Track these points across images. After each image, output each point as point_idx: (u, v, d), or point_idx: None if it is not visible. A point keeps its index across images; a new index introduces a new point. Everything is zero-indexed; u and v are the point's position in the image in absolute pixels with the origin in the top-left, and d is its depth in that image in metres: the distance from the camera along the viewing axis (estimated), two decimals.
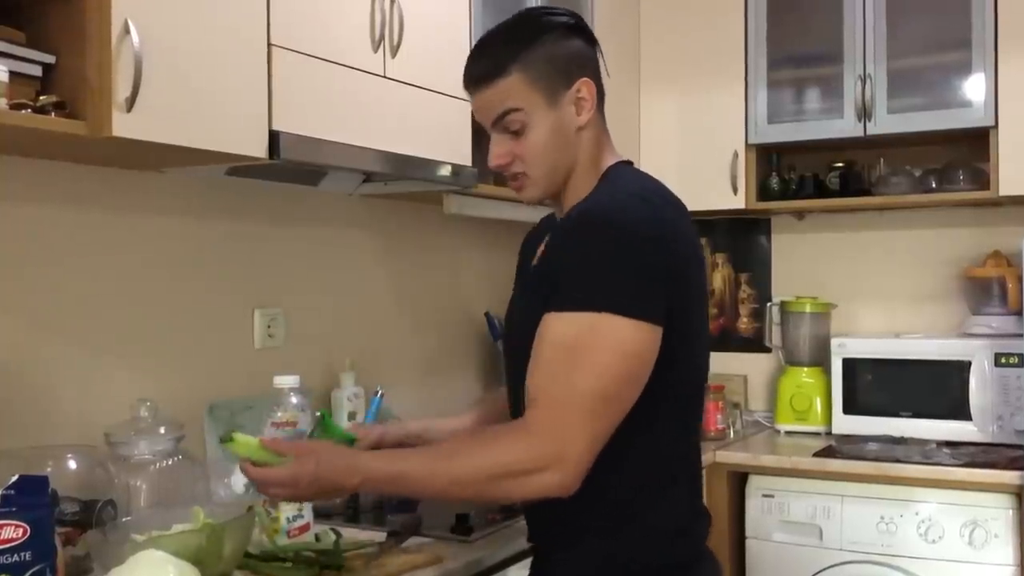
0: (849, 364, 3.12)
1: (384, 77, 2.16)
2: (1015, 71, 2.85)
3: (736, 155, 3.21)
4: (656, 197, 1.46)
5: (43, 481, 1.36)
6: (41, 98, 1.58)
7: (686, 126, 3.31)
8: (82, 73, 1.60)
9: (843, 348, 3.13)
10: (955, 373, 2.96)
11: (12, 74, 1.55)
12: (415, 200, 2.74)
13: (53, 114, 1.57)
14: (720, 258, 3.67)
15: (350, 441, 1.69)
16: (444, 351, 3.01)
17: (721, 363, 3.29)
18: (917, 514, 2.69)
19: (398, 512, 2.00)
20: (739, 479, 2.98)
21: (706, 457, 2.85)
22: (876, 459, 2.79)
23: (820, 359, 3.26)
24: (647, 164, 3.04)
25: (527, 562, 1.63)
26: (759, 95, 3.19)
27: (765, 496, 2.89)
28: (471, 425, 1.79)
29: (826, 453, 2.90)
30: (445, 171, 2.32)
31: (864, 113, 3.02)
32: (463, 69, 1.51)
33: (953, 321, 3.26)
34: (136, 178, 2.06)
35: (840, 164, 3.27)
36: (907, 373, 3.04)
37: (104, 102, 1.58)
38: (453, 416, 1.87)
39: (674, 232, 1.43)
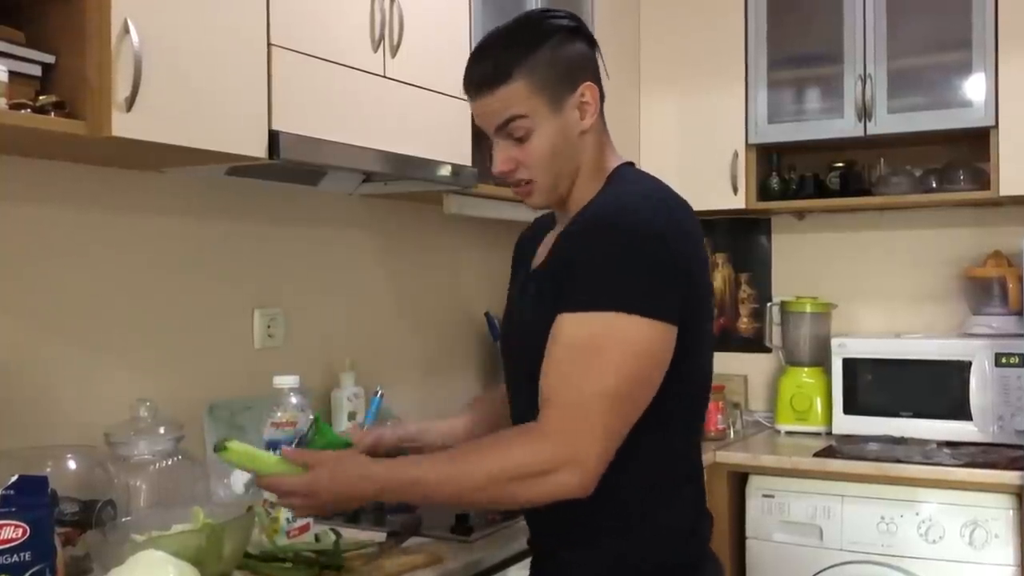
0: (849, 364, 3.11)
1: (384, 77, 2.16)
2: (1015, 71, 2.85)
3: (736, 155, 3.21)
4: (664, 197, 1.46)
5: (43, 481, 1.36)
6: (41, 98, 1.58)
7: (686, 126, 3.31)
8: (82, 73, 1.59)
9: (843, 348, 3.12)
10: (955, 373, 2.95)
11: (12, 74, 1.55)
12: (415, 200, 2.74)
13: (53, 114, 1.57)
14: (720, 258, 3.67)
15: (346, 445, 1.65)
16: (444, 351, 3.01)
17: (721, 363, 3.22)
18: (917, 514, 2.69)
19: (398, 512, 2.00)
20: (739, 479, 2.98)
21: (706, 457, 2.85)
22: (876, 459, 2.79)
23: (820, 359, 3.26)
24: (647, 164, 3.01)
25: (527, 562, 1.62)
26: (759, 95, 3.19)
27: (765, 496, 2.89)
28: (469, 425, 1.77)
29: (826, 453, 2.90)
30: (445, 171, 2.32)
31: (864, 113, 3.02)
32: (463, 73, 1.49)
33: (953, 321, 3.26)
34: (136, 178, 2.06)
35: (840, 164, 3.26)
36: (907, 373, 3.04)
37: (104, 102, 1.58)
38: (451, 417, 1.86)
39: (684, 232, 1.43)
